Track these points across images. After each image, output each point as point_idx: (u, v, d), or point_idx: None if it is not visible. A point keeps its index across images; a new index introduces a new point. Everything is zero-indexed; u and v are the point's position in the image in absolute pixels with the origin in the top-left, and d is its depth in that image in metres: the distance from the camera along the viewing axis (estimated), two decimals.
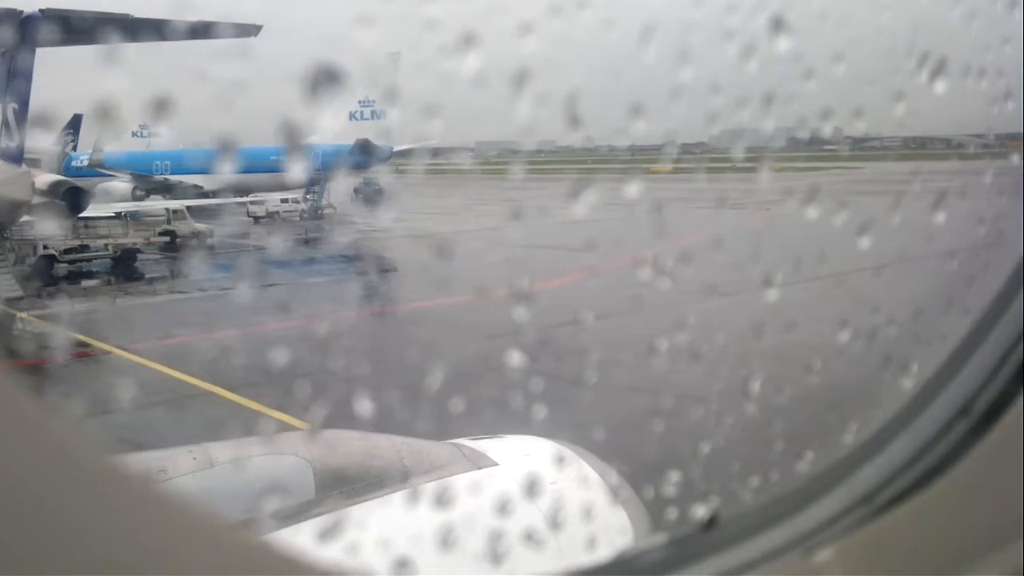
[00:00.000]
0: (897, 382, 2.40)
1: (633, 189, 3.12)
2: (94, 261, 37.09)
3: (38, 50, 25.00)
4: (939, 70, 3.05)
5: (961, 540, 1.91)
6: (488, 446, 5.06)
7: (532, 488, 3.93)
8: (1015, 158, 3.14)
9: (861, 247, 3.43)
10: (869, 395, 2.93)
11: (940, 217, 3.33)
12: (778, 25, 2.89)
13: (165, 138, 54.77)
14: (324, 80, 1.95)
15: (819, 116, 3.57)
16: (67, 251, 36.04)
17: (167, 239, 40.43)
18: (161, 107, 2.01)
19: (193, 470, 4.07)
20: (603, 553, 3.77)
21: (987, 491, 1.92)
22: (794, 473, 2.54)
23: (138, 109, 1.99)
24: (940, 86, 3.04)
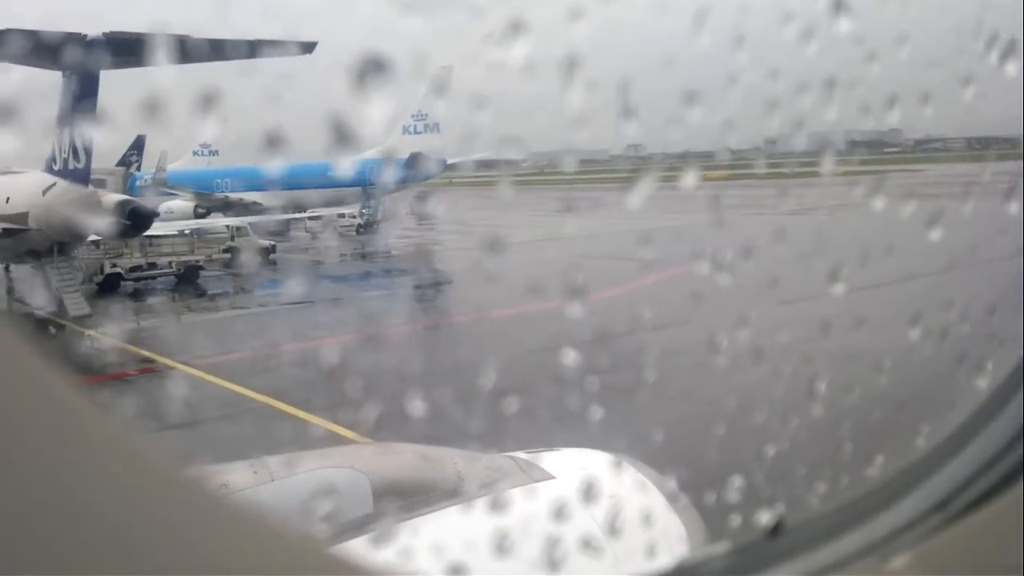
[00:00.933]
0: (972, 382, 2.29)
1: (695, 196, 3.04)
2: (159, 279, 38.01)
3: (103, 72, 25.83)
4: (1009, 51, 2.92)
5: None
6: (544, 459, 5.01)
7: (588, 495, 3.86)
8: None
9: (931, 240, 3.30)
10: (942, 396, 2.80)
11: (1012, 210, 3.18)
12: (839, 5, 2.79)
13: (226, 156, 56.13)
14: (372, 69, 1.91)
15: (884, 103, 3.43)
16: (132, 269, 37.00)
17: (230, 256, 41.33)
18: (210, 103, 2.00)
19: (254, 484, 4.10)
20: (663, 561, 3.69)
21: None
22: (864, 478, 2.44)
23: (186, 105, 1.99)
24: (1011, 68, 2.90)
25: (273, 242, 44.18)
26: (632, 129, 2.66)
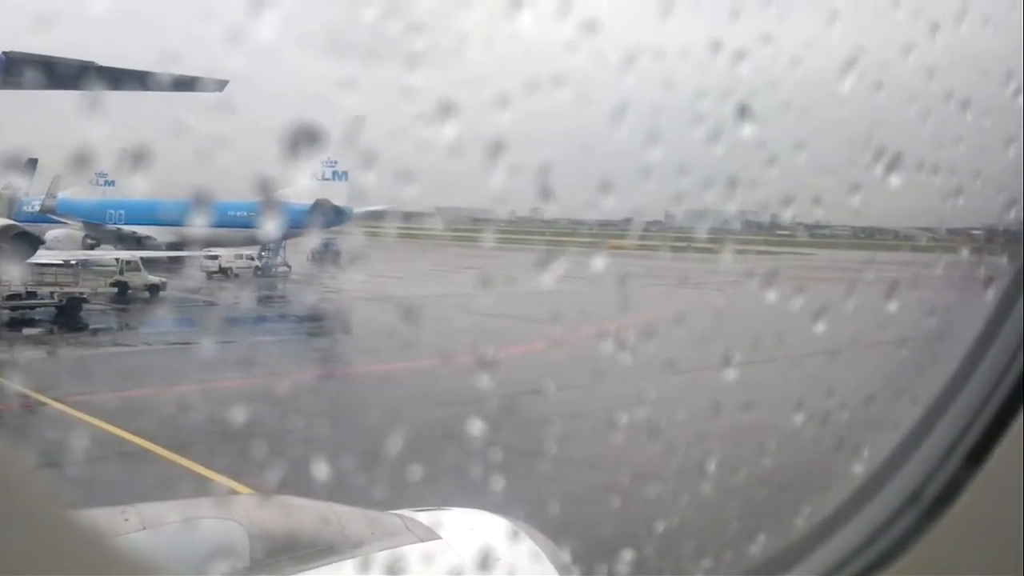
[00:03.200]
0: (849, 467, 2.41)
1: (598, 263, 3.16)
2: (37, 309, 36.18)
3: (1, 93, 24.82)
4: (894, 164, 3.16)
5: None
6: (435, 518, 4.96)
7: (483, 563, 3.85)
8: (964, 253, 3.24)
9: (816, 331, 3.49)
10: (822, 479, 2.94)
11: (892, 306, 3.41)
12: (744, 112, 2.99)
13: (120, 187, 54.27)
14: (304, 139, 1.95)
15: (780, 202, 3.66)
16: (10, 297, 35.12)
17: (117, 290, 39.72)
18: (138, 159, 2.00)
19: (123, 531, 3.92)
20: None
21: None
22: (747, 555, 2.53)
23: (109, 153, 1.98)
24: (895, 179, 3.14)
25: (163, 279, 42.71)
26: (550, 210, 2.77)
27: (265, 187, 2.19)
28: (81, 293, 37.51)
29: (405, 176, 2.72)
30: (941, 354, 2.69)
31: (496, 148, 2.32)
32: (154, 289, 40.90)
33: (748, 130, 2.98)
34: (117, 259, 43.41)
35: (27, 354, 29.24)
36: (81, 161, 1.95)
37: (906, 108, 3.50)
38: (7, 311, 34.84)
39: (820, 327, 3.53)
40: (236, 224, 40.20)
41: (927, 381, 2.38)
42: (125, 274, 41.02)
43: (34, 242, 32.52)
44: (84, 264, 40.92)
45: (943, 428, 2.10)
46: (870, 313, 3.56)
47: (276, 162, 1.98)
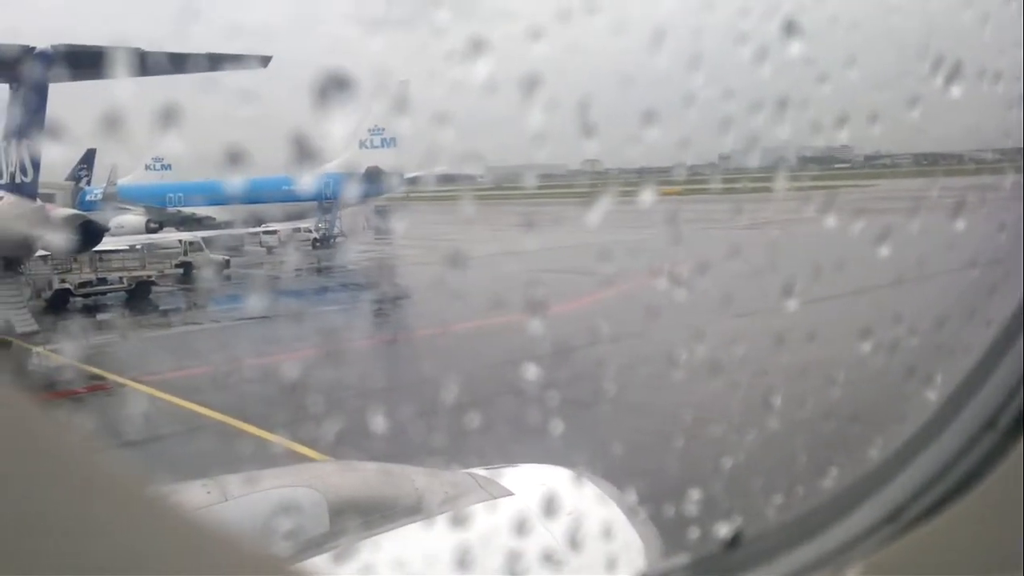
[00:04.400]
0: (921, 395, 2.34)
1: (651, 210, 3.08)
2: (109, 294, 37.27)
3: (52, 86, 25.34)
4: (954, 74, 3.01)
5: (989, 556, 1.84)
6: (501, 475, 5.00)
7: (548, 510, 3.87)
8: None
9: (880, 256, 3.38)
10: (893, 408, 2.86)
11: (960, 226, 3.27)
12: (790, 29, 2.86)
13: (178, 169, 55.40)
14: (333, 87, 1.91)
15: (834, 122, 3.52)
16: (82, 285, 36.23)
17: (183, 271, 40.68)
18: (170, 118, 1.99)
19: (207, 504, 4.02)
20: (623, 574, 3.70)
21: (1016, 506, 1.84)
22: (819, 489, 2.48)
23: (149, 124, 1.97)
24: (955, 90, 2.99)
25: (227, 257, 43.65)
26: (591, 147, 2.70)
27: (312, 158, 2.16)
28: (149, 276, 38.55)
29: (440, 120, 2.67)
30: (1012, 272, 2.58)
31: (531, 84, 2.25)
32: (219, 267, 41.86)
33: (796, 47, 2.85)
34: (180, 241, 44.43)
35: (102, 338, 30.22)
36: (113, 124, 1.94)
37: (962, 12, 3.32)
38: (80, 298, 36.01)
39: (884, 251, 3.41)
40: (290, 198, 40.84)
41: (999, 301, 2.27)
42: (190, 255, 42.01)
43: (99, 230, 33.40)
44: (149, 248, 41.98)
45: (1020, 349, 2.02)
46: (936, 234, 3.43)
47: (310, 118, 1.95)
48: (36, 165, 27.40)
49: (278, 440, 13.23)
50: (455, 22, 2.27)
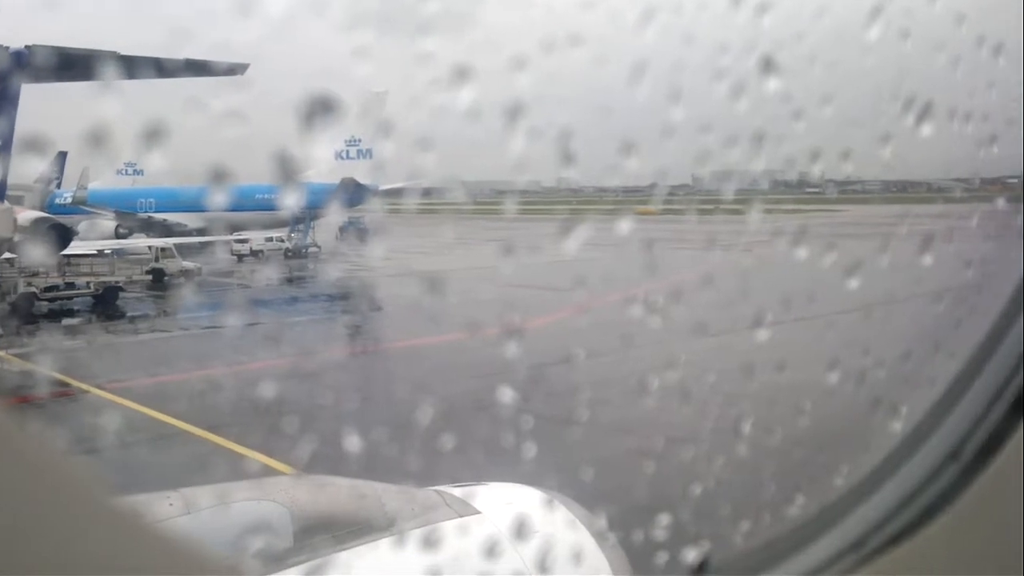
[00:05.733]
0: (887, 425, 2.38)
1: (624, 228, 3.12)
2: (75, 299, 36.75)
3: (26, 86, 25.01)
4: (925, 114, 3.08)
5: None
6: (471, 493, 4.99)
7: (519, 532, 3.87)
8: (1001, 202, 3.16)
9: (849, 288, 3.43)
10: (859, 438, 2.91)
11: (927, 259, 3.34)
12: (768, 66, 2.92)
13: (150, 175, 54.83)
14: (319, 110, 1.93)
15: (808, 157, 3.59)
16: (48, 289, 35.70)
17: (153, 277, 40.21)
18: (153, 135, 1.99)
19: (168, 516, 3.97)
20: None
21: (979, 535, 1.88)
22: (785, 517, 2.51)
23: (130, 136, 1.97)
24: (926, 129, 3.06)
25: (198, 264, 43.21)
26: (571, 175, 2.73)
27: (289, 168, 2.17)
28: (117, 281, 38.04)
29: (423, 144, 2.69)
30: (979, 307, 2.63)
31: (514, 112, 2.28)
32: (190, 274, 41.41)
33: (772, 84, 2.91)
34: (150, 247, 43.92)
35: (67, 343, 29.75)
36: (99, 140, 1.94)
37: (935, 56, 3.40)
38: (46, 302, 35.44)
39: (853, 284, 3.47)
40: (263, 207, 40.54)
41: (964, 335, 2.32)
42: (161, 261, 41.56)
43: (68, 233, 32.95)
44: (118, 253, 41.46)
45: (983, 383, 2.06)
46: (904, 267, 3.49)
47: (293, 136, 1.96)
48: (5, 167, 26.98)
49: (246, 452, 13.11)
50: (441, 50, 2.30)
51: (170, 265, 41.46)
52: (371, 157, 51.16)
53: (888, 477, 2.10)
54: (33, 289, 35.24)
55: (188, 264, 42.34)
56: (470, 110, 2.22)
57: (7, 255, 31.26)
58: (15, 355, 24.28)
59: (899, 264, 3.68)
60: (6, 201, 28.94)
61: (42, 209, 41.58)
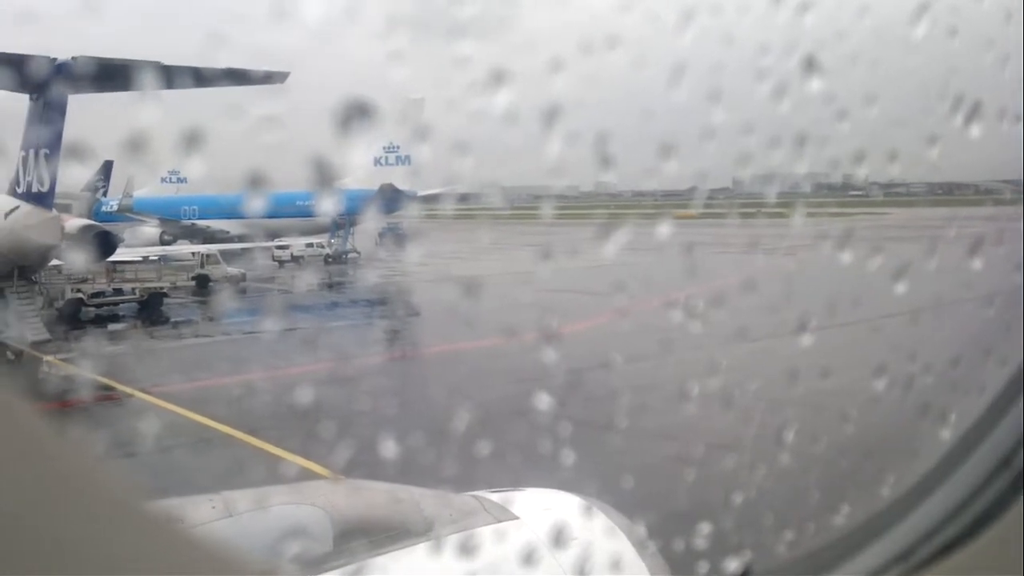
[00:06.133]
0: (935, 432, 2.32)
1: (663, 232, 3.08)
2: (121, 305, 37.42)
3: (71, 97, 25.59)
4: (974, 114, 3.01)
5: None
6: (509, 498, 4.97)
7: (558, 539, 3.84)
8: None
9: (896, 292, 3.36)
10: (907, 445, 2.84)
11: (976, 263, 3.26)
12: (810, 66, 2.87)
13: (193, 183, 55.71)
14: (356, 115, 1.93)
15: (852, 159, 3.52)
16: (94, 295, 36.39)
17: (196, 283, 40.83)
18: (193, 141, 2.00)
19: (212, 519, 4.02)
20: None
21: None
22: (830, 526, 2.46)
23: (170, 143, 1.99)
24: (975, 130, 2.99)
25: (243, 270, 43.82)
26: (609, 178, 2.71)
27: (327, 174, 2.18)
28: (161, 288, 38.68)
29: (460, 148, 2.69)
30: None
31: (551, 116, 2.27)
32: (234, 280, 42.01)
33: (815, 84, 2.86)
34: (194, 253, 44.62)
35: (113, 348, 30.31)
36: (142, 148, 1.96)
37: (983, 54, 3.32)
38: (92, 308, 36.14)
39: (900, 288, 3.40)
40: (303, 214, 41.00)
41: (1015, 340, 2.26)
42: (206, 267, 42.22)
43: (113, 240, 33.58)
44: (164, 259, 42.17)
45: None
46: (953, 271, 3.41)
47: (331, 142, 1.97)
48: (53, 175, 27.59)
49: (286, 455, 13.23)
50: (477, 53, 2.29)
51: (215, 271, 42.10)
52: (409, 163, 51.53)
53: (937, 486, 2.04)
54: (80, 295, 35.96)
55: (233, 270, 42.98)
56: (507, 114, 2.21)
57: (55, 262, 31.97)
58: (63, 359, 24.80)
59: (947, 267, 3.60)
60: (54, 209, 29.59)
61: (88, 217, 42.46)
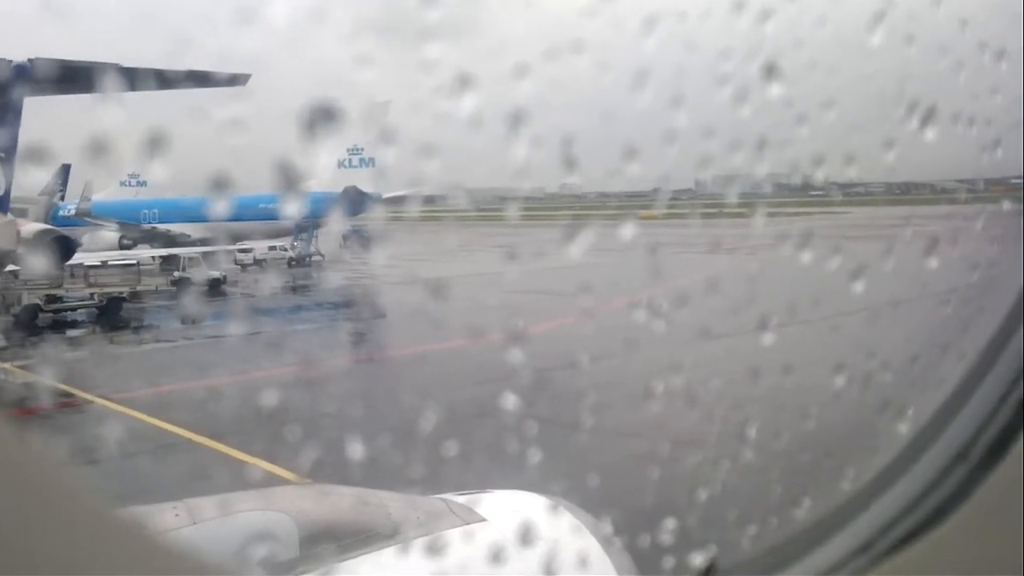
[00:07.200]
0: (894, 427, 2.37)
1: (626, 233, 3.12)
2: (79, 310, 36.83)
3: (30, 99, 25.08)
4: (929, 118, 3.08)
5: None
6: (476, 500, 4.98)
7: (525, 538, 3.86)
8: (1006, 204, 3.16)
9: (855, 291, 3.43)
10: (866, 441, 2.90)
11: (933, 262, 3.34)
12: (771, 72, 2.92)
13: (154, 186, 54.93)
14: (321, 119, 1.94)
15: (811, 162, 3.59)
16: (51, 300, 35.79)
17: (176, 287, 40.30)
18: (155, 144, 2.00)
19: (175, 527, 3.98)
20: None
21: (988, 537, 1.87)
22: (793, 520, 2.50)
23: (131, 146, 1.98)
24: (930, 133, 3.06)
25: (223, 273, 43.43)
26: (574, 180, 2.74)
27: (291, 177, 2.18)
28: (120, 292, 38.11)
29: (426, 151, 2.70)
30: (985, 309, 2.63)
31: (516, 119, 2.29)
32: (215, 283, 41.61)
33: (775, 90, 2.92)
34: (153, 257, 44.03)
35: (71, 354, 29.79)
36: (102, 152, 1.95)
37: (938, 60, 3.40)
38: (50, 314, 35.50)
39: (859, 286, 3.47)
40: (266, 216, 40.63)
41: (972, 337, 2.32)
42: (188, 270, 41.75)
43: (71, 245, 33.00)
44: (134, 264, 41.62)
45: (990, 383, 2.06)
46: (910, 270, 3.49)
47: (296, 145, 1.97)
48: (8, 179, 27.03)
49: (251, 459, 13.11)
50: (444, 57, 2.30)
51: (197, 274, 41.65)
52: (373, 165, 51.25)
53: (896, 479, 2.09)
54: (37, 301, 35.31)
55: (214, 272, 42.57)
56: (472, 117, 2.23)
57: (11, 267, 31.33)
58: (19, 367, 24.32)
59: (904, 266, 3.68)
60: (10, 214, 29.00)
61: (46, 221, 41.72)
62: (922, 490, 2.01)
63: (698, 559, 2.14)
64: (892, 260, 3.76)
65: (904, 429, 2.30)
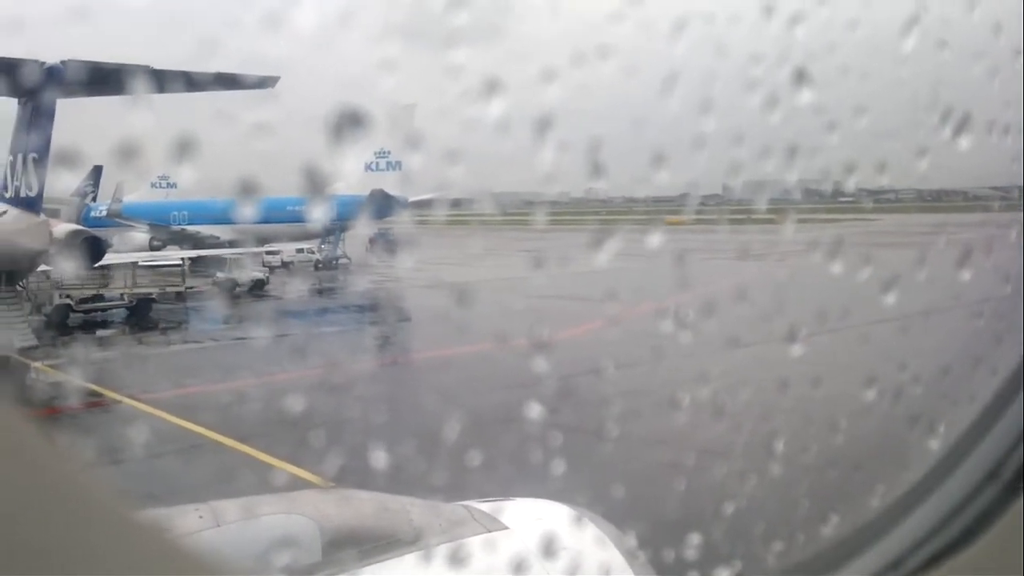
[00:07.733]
0: (924, 443, 2.33)
1: (654, 239, 3.09)
2: (110, 310, 37.28)
3: (60, 101, 25.44)
4: (963, 126, 3.02)
5: None
6: (499, 508, 4.95)
7: (548, 549, 3.83)
8: None
9: (886, 301, 3.37)
10: (896, 456, 2.85)
11: (965, 273, 3.27)
12: (801, 77, 2.88)
13: (183, 188, 55.54)
14: (348, 123, 1.93)
15: (842, 169, 3.54)
16: (82, 300, 36.24)
17: (219, 288, 40.79)
18: (185, 148, 2.00)
19: (198, 528, 3.99)
20: None
21: (1019, 558, 1.82)
22: (819, 537, 2.46)
23: (161, 149, 1.99)
24: (964, 142, 3.00)
25: (267, 274, 43.91)
26: (600, 186, 2.72)
27: (318, 180, 2.18)
28: (150, 293, 38.58)
29: (453, 155, 2.69)
30: (1018, 322, 2.57)
31: (544, 124, 2.27)
32: (259, 284, 42.09)
33: (806, 95, 2.87)
34: (188, 259, 44.55)
35: (101, 354, 30.16)
36: (132, 154, 1.96)
37: (972, 66, 3.34)
38: (81, 314, 35.97)
39: (890, 296, 3.41)
40: (293, 219, 40.96)
41: (1005, 351, 2.26)
42: (233, 271, 42.31)
43: (102, 246, 33.38)
44: (156, 265, 42.13)
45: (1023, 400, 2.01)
46: (942, 281, 3.42)
47: (322, 148, 1.97)
48: (42, 180, 27.43)
49: (276, 463, 13.18)
50: (471, 62, 2.29)
51: (241, 275, 42.18)
52: (400, 169, 51.45)
53: (926, 496, 2.05)
54: (68, 301, 35.79)
55: (257, 273, 43.08)
56: (499, 122, 2.22)
57: (43, 267, 31.79)
58: (50, 366, 24.65)
59: (936, 276, 3.61)
60: (43, 214, 29.43)
61: (77, 222, 42.31)
62: (953, 508, 1.97)
63: (723, 574, 2.10)
64: (924, 269, 3.69)
65: (935, 445, 2.25)
